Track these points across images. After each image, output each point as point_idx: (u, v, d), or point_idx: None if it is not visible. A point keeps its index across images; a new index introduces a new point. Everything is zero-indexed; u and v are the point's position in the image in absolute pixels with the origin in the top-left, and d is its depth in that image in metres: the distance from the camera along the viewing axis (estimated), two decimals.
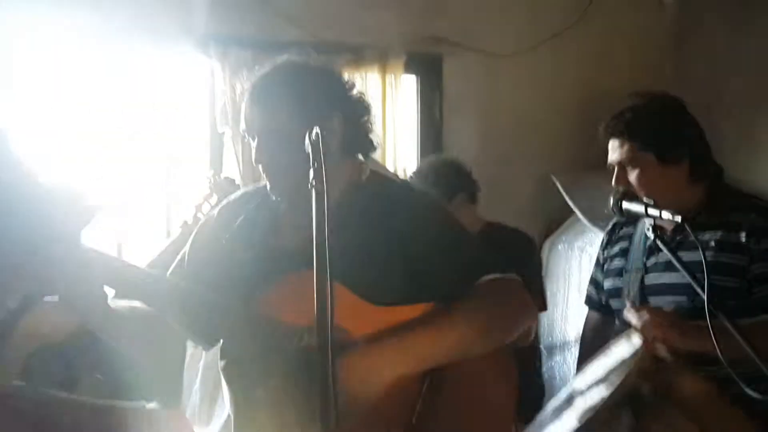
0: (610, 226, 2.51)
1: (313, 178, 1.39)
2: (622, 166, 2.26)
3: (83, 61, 3.43)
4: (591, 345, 2.38)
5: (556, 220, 4.03)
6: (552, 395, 2.31)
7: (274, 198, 1.91)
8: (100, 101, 3.48)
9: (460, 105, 4.01)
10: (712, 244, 2.17)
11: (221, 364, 1.91)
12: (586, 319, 2.57)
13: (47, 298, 1.64)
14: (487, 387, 1.88)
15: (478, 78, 4.02)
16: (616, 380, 2.05)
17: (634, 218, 2.28)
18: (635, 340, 2.06)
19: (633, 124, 2.25)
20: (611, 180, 2.29)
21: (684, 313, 2.15)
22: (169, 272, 2.00)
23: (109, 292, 1.75)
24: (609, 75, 4.10)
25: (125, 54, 3.48)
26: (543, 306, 3.22)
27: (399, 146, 3.83)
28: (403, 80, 3.85)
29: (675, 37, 4.25)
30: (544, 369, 3.83)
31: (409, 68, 3.86)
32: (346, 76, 1.97)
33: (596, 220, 3.57)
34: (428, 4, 3.92)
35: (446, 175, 3.13)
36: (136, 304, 1.81)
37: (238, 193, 2.11)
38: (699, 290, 1.94)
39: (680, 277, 2.14)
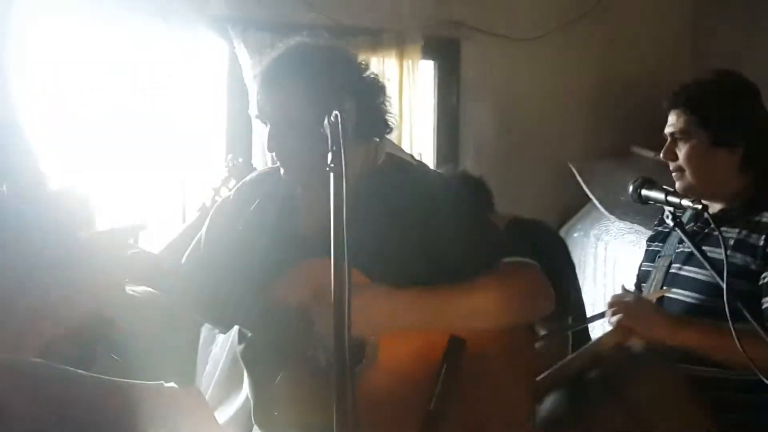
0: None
1: (332, 161, 1.38)
2: (675, 139, 2.20)
3: (98, 46, 3.42)
4: None
5: (573, 208, 4.01)
6: None
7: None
8: (116, 85, 3.48)
9: (478, 90, 3.98)
10: (731, 242, 2.09)
11: (239, 348, 1.92)
12: None
13: None
14: (504, 372, 1.87)
15: (496, 63, 3.99)
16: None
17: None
18: (610, 323, 2.06)
19: (695, 98, 2.18)
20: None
21: (696, 310, 2.11)
22: (185, 255, 2.00)
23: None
24: (627, 62, 4.08)
25: (141, 37, 3.47)
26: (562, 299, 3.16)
27: (416, 132, 3.82)
28: (421, 65, 3.82)
29: (694, 24, 4.21)
30: None
31: (426, 53, 3.82)
32: (359, 57, 1.93)
33: (613, 208, 3.55)
34: None
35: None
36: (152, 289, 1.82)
37: (254, 174, 2.10)
38: (721, 285, 1.91)
39: (698, 271, 2.12)
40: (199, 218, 2.69)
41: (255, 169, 2.87)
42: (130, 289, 1.75)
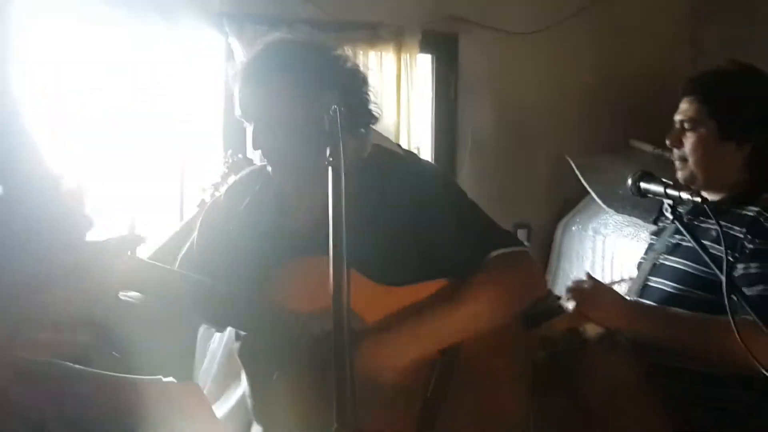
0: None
1: (330, 155, 1.37)
2: (683, 126, 2.17)
3: (93, 41, 3.41)
4: None
5: (571, 202, 4.01)
6: None
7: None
8: (112, 81, 3.47)
9: (476, 85, 3.98)
10: (713, 234, 2.08)
11: (236, 346, 1.91)
12: None
13: None
14: (499, 360, 1.88)
15: (494, 57, 3.98)
16: None
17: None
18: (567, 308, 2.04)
19: (707, 87, 2.14)
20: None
21: (674, 299, 2.10)
22: (180, 255, 1.99)
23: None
24: (626, 56, 4.07)
25: (137, 32, 3.46)
26: None
27: (413, 126, 3.81)
28: (419, 60, 3.82)
29: (692, 18, 4.20)
30: None
31: (424, 47, 3.82)
32: (339, 49, 1.90)
33: (611, 202, 3.55)
34: None
35: None
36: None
37: (244, 172, 2.07)
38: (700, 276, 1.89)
39: (681, 261, 2.12)
40: (197, 215, 2.69)
41: (255, 164, 2.86)
42: (123, 294, 1.74)
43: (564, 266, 3.90)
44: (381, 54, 3.73)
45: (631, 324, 2.00)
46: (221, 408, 2.51)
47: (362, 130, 1.90)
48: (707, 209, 1.98)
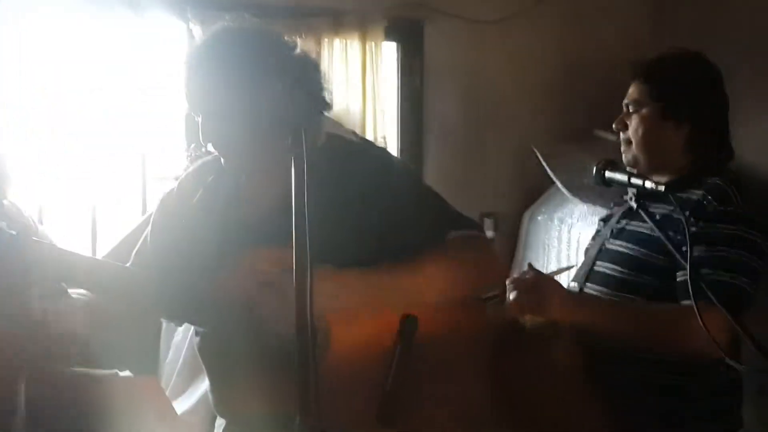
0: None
1: (292, 142, 1.35)
2: (629, 108, 2.21)
3: (53, 29, 3.35)
4: None
5: (537, 191, 4.02)
6: None
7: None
8: (73, 70, 3.41)
9: (441, 73, 3.97)
10: (657, 218, 2.10)
11: (196, 341, 1.89)
12: None
13: None
14: (458, 348, 1.86)
15: (460, 45, 3.97)
16: None
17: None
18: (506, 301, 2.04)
19: (651, 69, 2.19)
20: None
21: (620, 284, 2.12)
22: (134, 251, 1.95)
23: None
24: (590, 45, 4.08)
25: (98, 20, 3.40)
26: None
27: (379, 115, 3.79)
28: (384, 48, 3.79)
29: (655, 7, 4.21)
30: None
31: (389, 35, 3.80)
32: (287, 36, 1.85)
33: (576, 191, 3.56)
34: None
35: None
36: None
37: (197, 164, 2.02)
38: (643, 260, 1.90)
39: (626, 245, 2.13)
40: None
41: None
42: (75, 292, 1.71)
43: (530, 256, 3.90)
44: (346, 42, 3.70)
45: (570, 315, 2.00)
46: (186, 402, 2.49)
47: (315, 118, 1.87)
48: (671, 197, 1.99)
